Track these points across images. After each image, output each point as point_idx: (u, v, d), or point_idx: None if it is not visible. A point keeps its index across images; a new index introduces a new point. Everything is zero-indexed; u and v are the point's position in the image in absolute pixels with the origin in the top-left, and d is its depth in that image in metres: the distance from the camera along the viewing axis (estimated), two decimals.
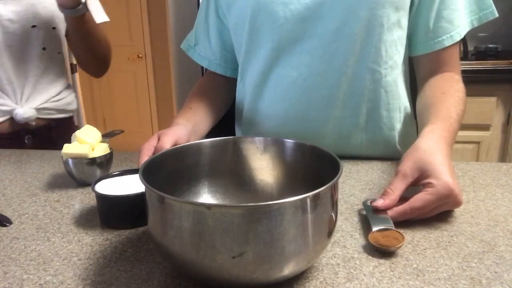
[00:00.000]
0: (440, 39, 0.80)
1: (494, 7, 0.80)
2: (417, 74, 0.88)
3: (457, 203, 0.60)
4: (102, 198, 0.61)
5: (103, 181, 0.66)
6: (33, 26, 1.06)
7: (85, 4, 0.98)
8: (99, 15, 1.15)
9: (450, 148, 0.66)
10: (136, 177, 0.66)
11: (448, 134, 0.68)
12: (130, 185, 0.64)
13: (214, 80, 0.98)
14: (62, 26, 1.13)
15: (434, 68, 0.83)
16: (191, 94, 0.93)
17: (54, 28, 1.10)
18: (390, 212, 0.58)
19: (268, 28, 0.80)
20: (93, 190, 0.61)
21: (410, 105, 0.89)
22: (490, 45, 2.22)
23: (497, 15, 0.80)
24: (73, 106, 1.25)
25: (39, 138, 1.14)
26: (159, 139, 0.70)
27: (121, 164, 0.88)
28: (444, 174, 0.58)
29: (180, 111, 0.87)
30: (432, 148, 0.63)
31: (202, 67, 2.25)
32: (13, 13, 1.03)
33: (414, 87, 0.90)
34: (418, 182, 0.61)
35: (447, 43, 0.80)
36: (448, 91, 0.78)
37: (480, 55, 2.22)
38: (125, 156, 0.92)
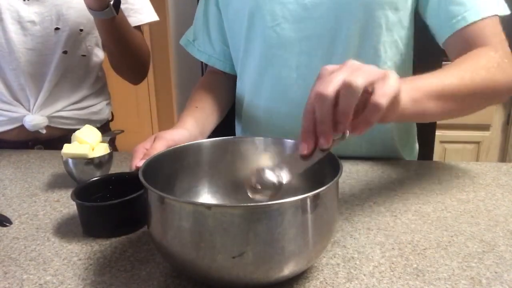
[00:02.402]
0: (455, 20, 0.73)
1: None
2: (450, 59, 0.79)
3: (382, 75, 0.47)
4: (81, 207, 0.60)
5: (89, 185, 0.64)
6: (57, 29, 1.01)
7: (114, 7, 0.91)
8: (143, 14, 1.08)
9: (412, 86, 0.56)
10: (124, 181, 0.64)
11: (420, 80, 0.58)
12: (119, 189, 0.63)
13: (215, 78, 0.97)
14: (92, 27, 1.05)
15: (463, 47, 0.74)
16: (195, 92, 0.91)
17: (81, 30, 1.04)
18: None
19: (266, 27, 0.80)
20: (73, 198, 0.59)
21: None
22: None
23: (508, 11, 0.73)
24: (102, 116, 1.16)
25: (52, 149, 1.04)
26: (155, 141, 0.68)
27: (121, 164, 0.87)
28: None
29: (186, 110, 0.85)
30: None
31: (202, 67, 2.26)
32: (36, 15, 0.99)
33: None
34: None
35: (461, 24, 0.72)
36: (467, 58, 0.67)
37: None
38: (125, 156, 0.92)
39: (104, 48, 1.12)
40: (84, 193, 0.61)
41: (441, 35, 0.79)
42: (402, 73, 0.84)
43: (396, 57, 0.81)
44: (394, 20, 0.77)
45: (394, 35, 0.79)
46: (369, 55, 0.78)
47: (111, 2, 0.91)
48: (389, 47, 0.79)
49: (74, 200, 0.58)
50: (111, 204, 0.58)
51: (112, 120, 1.23)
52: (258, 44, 0.83)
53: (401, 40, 0.80)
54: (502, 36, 0.73)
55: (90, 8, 0.91)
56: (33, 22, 0.99)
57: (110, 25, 0.96)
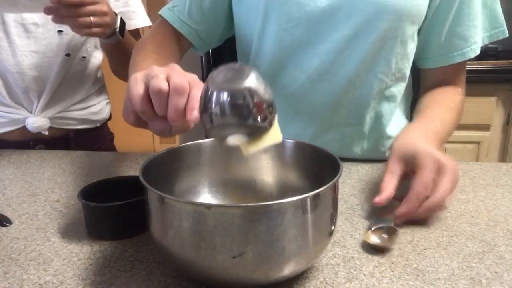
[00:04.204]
0: (451, 55, 0.80)
1: (505, 26, 0.79)
2: (422, 83, 0.87)
3: (453, 171, 0.58)
4: (86, 207, 0.59)
5: (95, 187, 0.63)
6: (59, 31, 1.01)
7: (120, 32, 0.93)
8: (138, 20, 1.09)
9: (437, 143, 0.67)
10: (128, 184, 0.64)
11: (433, 133, 0.68)
12: (122, 192, 0.63)
13: (176, 47, 0.86)
14: None
15: (441, 81, 0.83)
16: (146, 48, 0.80)
17: None
18: (400, 209, 0.58)
19: (281, 28, 0.79)
20: (78, 198, 0.59)
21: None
22: (490, 45, 2.22)
23: (507, 34, 0.79)
24: (102, 116, 1.17)
25: (54, 149, 1.05)
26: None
27: (121, 164, 0.88)
28: (425, 149, 0.59)
29: (141, 64, 0.73)
30: (415, 137, 0.64)
31: (201, 67, 2.26)
32: (39, 17, 0.99)
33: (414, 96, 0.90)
34: (411, 173, 0.61)
35: (458, 59, 0.80)
36: (448, 101, 0.79)
37: (480, 55, 2.20)
38: (125, 156, 0.92)
39: (107, 56, 1.12)
40: (91, 194, 0.60)
41: (428, 63, 0.83)
42: (407, 83, 0.84)
43: (406, 69, 0.81)
44: (409, 34, 0.77)
45: (407, 48, 0.79)
46: (380, 65, 0.78)
47: (117, 29, 0.92)
48: (400, 59, 0.79)
49: (79, 200, 0.58)
50: (116, 206, 0.58)
51: (110, 119, 1.24)
52: (270, 45, 0.81)
53: (411, 53, 0.80)
54: (465, 74, 0.85)
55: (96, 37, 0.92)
56: (36, 24, 0.99)
57: (116, 46, 0.98)
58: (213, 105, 0.41)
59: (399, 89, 0.82)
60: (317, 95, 0.81)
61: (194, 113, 0.44)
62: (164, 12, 0.86)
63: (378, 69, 0.79)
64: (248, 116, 0.42)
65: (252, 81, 0.42)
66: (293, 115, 0.85)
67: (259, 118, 0.43)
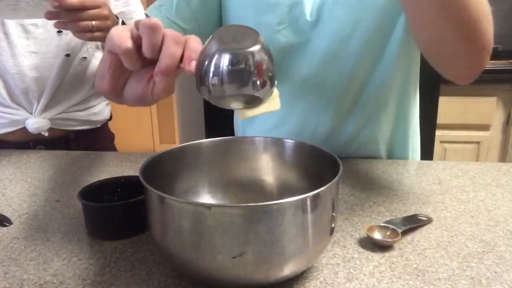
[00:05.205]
0: None
1: None
2: None
3: None
4: (86, 207, 0.59)
5: (94, 186, 0.63)
6: (59, 31, 1.01)
7: None
8: (138, 19, 1.10)
9: None
10: (128, 184, 0.64)
11: None
12: (121, 192, 0.63)
13: None
14: None
15: None
16: None
17: None
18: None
19: (273, 30, 0.79)
20: (79, 198, 0.59)
21: (411, 119, 0.88)
22: None
23: None
24: (103, 116, 1.17)
25: (53, 149, 1.04)
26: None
27: (121, 164, 0.87)
28: None
29: None
30: None
31: None
32: None
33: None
34: None
35: None
36: None
37: None
38: (125, 156, 0.92)
39: None
40: (91, 194, 0.60)
41: None
42: (408, 83, 0.84)
43: (412, 56, 0.80)
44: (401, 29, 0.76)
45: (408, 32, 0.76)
46: (383, 56, 0.77)
47: None
48: (404, 44, 0.77)
49: (79, 200, 0.58)
50: (116, 206, 0.58)
51: (110, 119, 1.23)
52: None
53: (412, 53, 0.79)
54: None
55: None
56: (35, 25, 0.99)
57: None
58: (218, 64, 0.41)
59: (398, 89, 0.82)
60: (311, 92, 0.81)
61: (192, 64, 0.42)
62: (150, 11, 0.83)
63: (382, 59, 0.78)
64: (249, 81, 0.42)
65: (258, 46, 0.42)
66: (289, 113, 0.85)
67: (259, 85, 0.43)
